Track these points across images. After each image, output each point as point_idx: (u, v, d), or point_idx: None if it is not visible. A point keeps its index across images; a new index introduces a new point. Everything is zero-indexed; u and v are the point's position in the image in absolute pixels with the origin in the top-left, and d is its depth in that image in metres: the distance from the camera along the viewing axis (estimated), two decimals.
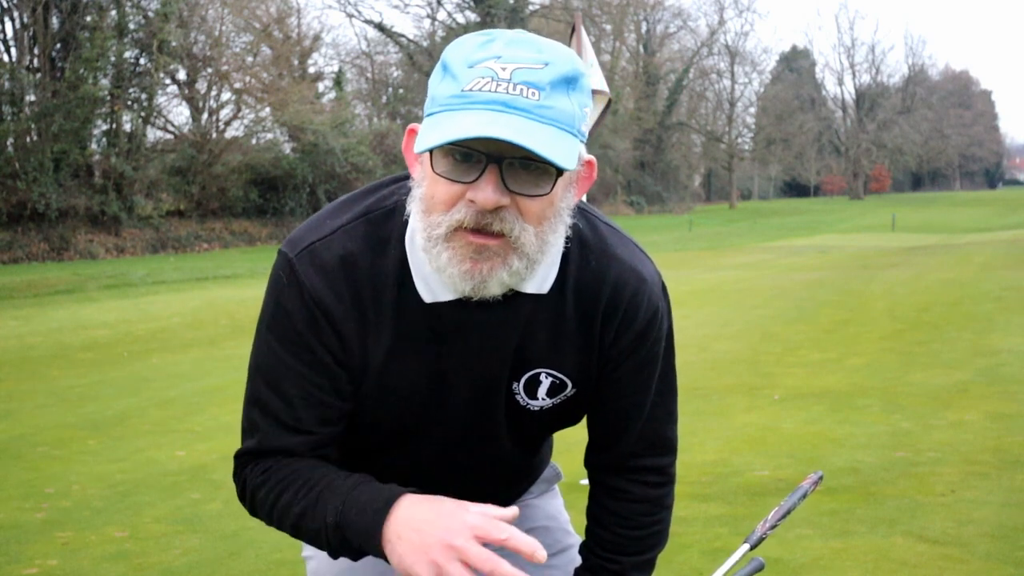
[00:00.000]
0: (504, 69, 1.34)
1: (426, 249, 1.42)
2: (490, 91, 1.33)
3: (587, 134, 1.43)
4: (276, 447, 1.56)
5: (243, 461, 1.60)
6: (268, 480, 1.55)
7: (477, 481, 1.75)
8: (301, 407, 1.54)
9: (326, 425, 1.57)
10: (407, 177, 1.58)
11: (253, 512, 1.62)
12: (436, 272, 1.44)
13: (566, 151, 1.35)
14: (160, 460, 5.89)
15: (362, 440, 1.67)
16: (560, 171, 1.38)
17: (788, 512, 1.81)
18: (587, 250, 1.56)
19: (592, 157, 1.48)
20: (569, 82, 1.37)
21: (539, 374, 1.58)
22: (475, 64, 1.36)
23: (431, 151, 1.37)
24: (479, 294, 1.44)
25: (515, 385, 1.59)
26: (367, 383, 1.56)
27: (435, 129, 1.35)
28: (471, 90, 1.34)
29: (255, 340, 1.57)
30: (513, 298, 1.50)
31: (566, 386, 1.60)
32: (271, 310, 1.54)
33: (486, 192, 1.35)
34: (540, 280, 1.52)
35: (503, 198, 1.36)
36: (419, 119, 1.51)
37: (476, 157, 1.35)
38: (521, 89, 1.33)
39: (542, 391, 1.60)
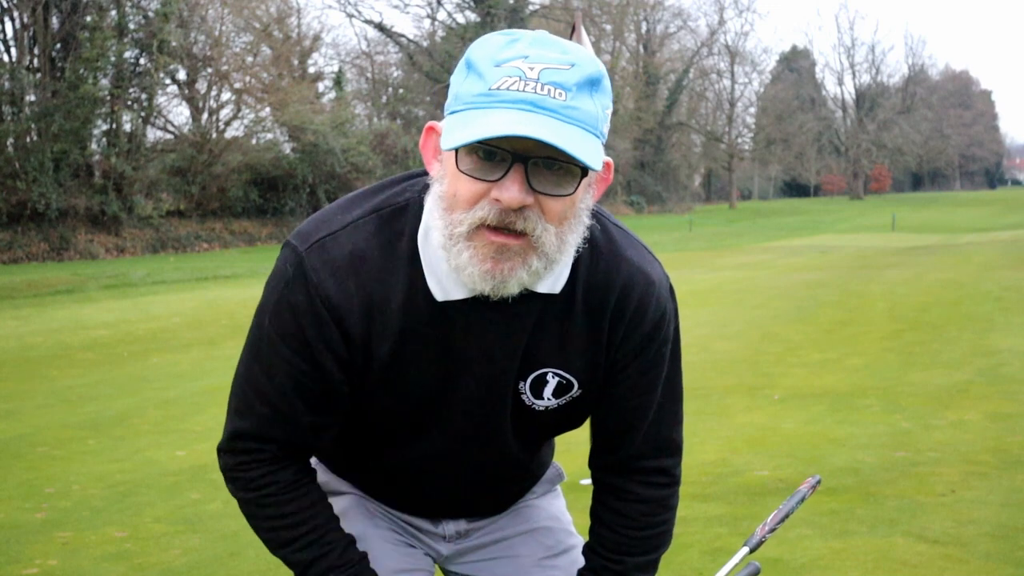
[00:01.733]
0: (532, 69, 1.34)
1: (446, 247, 1.42)
2: (518, 90, 1.33)
3: (606, 136, 1.43)
4: (268, 435, 1.58)
5: (235, 445, 1.62)
6: (265, 508, 1.63)
7: (480, 480, 1.75)
8: (294, 396, 1.55)
9: (318, 415, 1.58)
10: (419, 175, 1.58)
11: (235, 495, 1.68)
12: (455, 271, 1.44)
13: (592, 152, 1.35)
14: (160, 460, 5.89)
15: (369, 436, 1.67)
16: (584, 172, 1.38)
17: (787, 516, 1.82)
18: (597, 251, 1.56)
19: (609, 159, 1.48)
20: (593, 83, 1.38)
21: (546, 374, 1.58)
22: (502, 63, 1.36)
23: (455, 149, 1.37)
24: (498, 293, 1.43)
25: (521, 384, 1.59)
26: (372, 379, 1.56)
27: (463, 127, 1.34)
28: (499, 88, 1.34)
29: (254, 323, 1.57)
30: (524, 298, 1.50)
31: (572, 386, 1.60)
32: (274, 302, 1.53)
33: (511, 191, 1.35)
34: (553, 280, 1.52)
35: (527, 197, 1.36)
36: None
37: (501, 156, 1.35)
38: (549, 89, 1.34)
39: (548, 391, 1.60)
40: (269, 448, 1.59)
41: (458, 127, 1.35)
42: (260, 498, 1.62)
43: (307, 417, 1.57)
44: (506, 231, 1.38)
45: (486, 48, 1.39)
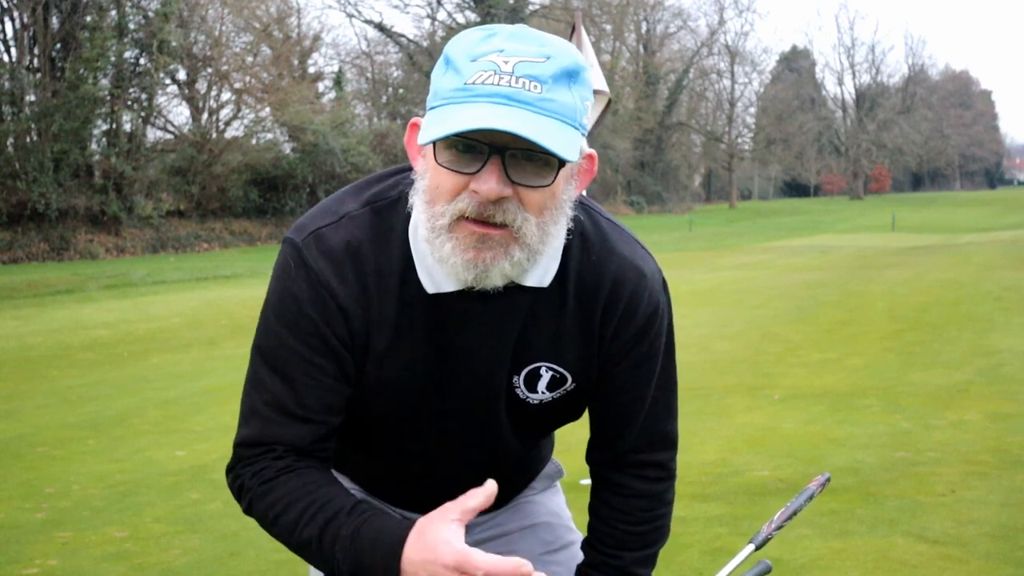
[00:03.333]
0: (506, 63, 1.36)
1: (429, 240, 1.43)
2: (493, 84, 1.35)
3: (588, 127, 1.44)
4: (276, 438, 1.54)
5: (240, 454, 1.58)
6: (268, 494, 1.53)
7: (478, 475, 1.75)
8: (306, 392, 1.53)
9: (330, 413, 1.56)
10: (411, 168, 1.59)
11: (247, 512, 1.61)
12: (439, 263, 1.45)
13: (568, 143, 1.36)
14: (160, 460, 5.89)
15: (363, 431, 1.67)
16: (562, 163, 1.39)
17: (794, 513, 1.81)
18: (588, 245, 1.57)
19: (593, 151, 1.50)
20: (570, 75, 1.39)
21: (539, 368, 1.59)
22: (478, 58, 1.37)
23: (434, 143, 1.39)
24: (481, 284, 1.44)
25: (515, 378, 1.59)
26: (368, 371, 1.56)
27: (439, 122, 1.36)
28: (474, 83, 1.35)
29: (260, 327, 1.57)
30: (515, 291, 1.51)
31: (566, 380, 1.61)
32: (278, 296, 1.54)
33: (489, 183, 1.36)
34: (541, 273, 1.52)
35: (505, 189, 1.37)
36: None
37: (479, 148, 1.37)
38: (523, 82, 1.35)
39: (542, 385, 1.60)
40: (274, 448, 1.56)
41: (435, 122, 1.37)
42: (260, 486, 1.54)
43: (314, 414, 1.56)
44: (487, 223, 1.40)
45: (463, 43, 1.41)
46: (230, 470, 1.62)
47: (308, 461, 1.56)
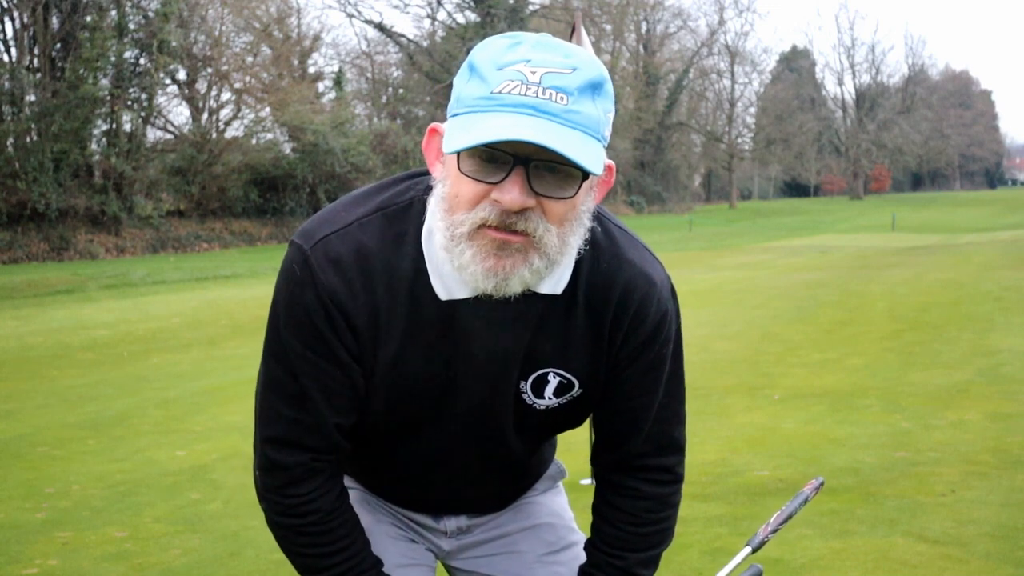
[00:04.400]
0: (533, 73, 1.35)
1: (448, 248, 1.43)
2: (520, 94, 1.34)
3: (608, 139, 1.43)
4: (301, 441, 1.58)
5: (268, 454, 1.61)
6: (304, 532, 1.64)
7: (481, 477, 1.76)
8: (319, 397, 1.55)
9: (342, 414, 1.59)
10: (421, 174, 1.59)
11: (270, 519, 1.68)
12: (457, 271, 1.45)
13: (593, 155, 1.36)
14: (160, 460, 5.89)
15: (371, 433, 1.68)
16: (585, 175, 1.39)
17: (789, 517, 1.83)
18: (599, 252, 1.57)
19: (612, 162, 1.49)
20: (595, 87, 1.39)
21: (547, 374, 1.59)
22: (504, 67, 1.36)
23: (457, 152, 1.38)
24: (500, 291, 1.44)
25: (522, 384, 1.59)
26: (378, 376, 1.57)
27: (465, 130, 1.35)
28: (500, 92, 1.35)
29: (269, 328, 1.58)
30: (526, 298, 1.51)
31: (573, 386, 1.61)
32: (284, 303, 1.54)
33: (512, 193, 1.36)
34: (555, 281, 1.53)
35: (528, 200, 1.37)
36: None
37: (502, 158, 1.36)
38: (550, 93, 1.35)
39: (549, 391, 1.61)
40: (303, 460, 1.59)
41: (460, 130, 1.36)
42: (301, 527, 1.63)
43: (333, 418, 1.57)
44: (507, 230, 1.39)
45: (489, 51, 1.40)
46: (259, 470, 1.65)
47: (339, 499, 1.64)
